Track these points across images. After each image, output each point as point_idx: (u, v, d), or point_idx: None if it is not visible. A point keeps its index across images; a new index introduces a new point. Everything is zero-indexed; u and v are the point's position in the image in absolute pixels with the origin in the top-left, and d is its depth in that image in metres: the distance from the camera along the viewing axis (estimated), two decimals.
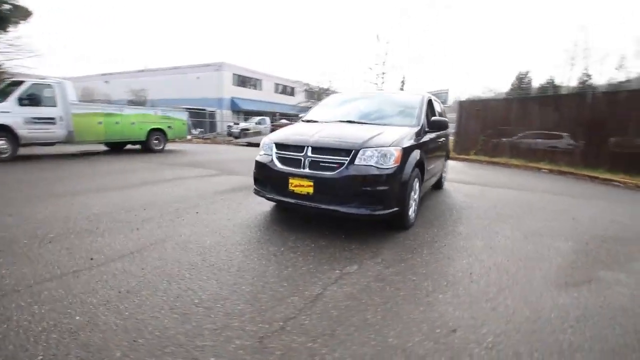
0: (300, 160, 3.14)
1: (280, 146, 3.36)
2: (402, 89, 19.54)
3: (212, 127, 23.50)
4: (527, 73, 44.45)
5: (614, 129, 9.98)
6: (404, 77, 17.72)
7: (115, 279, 2.11)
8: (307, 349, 1.55)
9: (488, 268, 2.56)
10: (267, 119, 21.42)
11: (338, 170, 2.95)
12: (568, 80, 38.81)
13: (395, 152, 2.98)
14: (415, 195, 3.48)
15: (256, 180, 3.62)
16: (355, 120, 3.87)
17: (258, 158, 3.58)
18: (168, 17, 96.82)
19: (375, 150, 2.96)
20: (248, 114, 27.00)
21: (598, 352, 1.63)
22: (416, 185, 3.46)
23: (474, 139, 14.18)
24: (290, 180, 3.13)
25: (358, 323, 1.77)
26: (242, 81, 29.20)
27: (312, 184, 3.01)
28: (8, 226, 3.00)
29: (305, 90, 31.69)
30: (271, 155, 3.40)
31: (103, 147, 10.23)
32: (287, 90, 34.34)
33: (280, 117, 24.05)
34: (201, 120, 20.48)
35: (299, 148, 3.19)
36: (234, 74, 28.11)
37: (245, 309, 1.84)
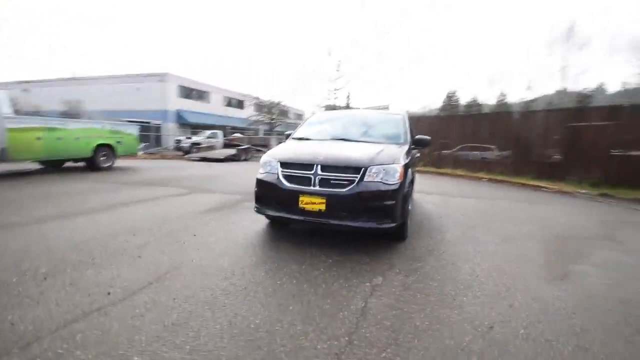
0: (310, 178, 3.23)
1: (285, 164, 3.42)
2: (348, 105, 20.34)
3: (158, 141, 22.00)
4: (454, 92, 50.03)
5: (535, 143, 11.77)
6: (349, 93, 18.65)
7: (152, 313, 1.97)
8: (382, 359, 1.65)
9: (489, 270, 2.90)
10: (220, 133, 20.74)
11: (349, 187, 3.11)
12: (488, 99, 44.40)
13: (399, 169, 3.25)
14: (409, 208, 3.78)
15: (258, 199, 3.60)
16: (351, 139, 4.08)
17: (260, 177, 3.58)
18: (101, 23, 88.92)
19: (382, 167, 3.19)
20: (196, 128, 25.83)
21: (602, 331, 2.00)
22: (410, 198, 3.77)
23: (421, 152, 15.45)
24: (301, 198, 3.19)
25: (412, 330, 1.92)
26: (189, 93, 27.91)
27: (324, 200, 3.11)
28: None
29: (255, 104, 31.50)
30: (276, 173, 3.43)
31: (36, 166, 9.01)
32: (236, 103, 33.66)
33: (233, 131, 23.47)
34: (146, 134, 19.06)
35: (308, 166, 3.28)
36: (179, 86, 26.72)
37: (306, 329, 1.87)
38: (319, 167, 3.22)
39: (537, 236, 4.10)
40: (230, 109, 32.87)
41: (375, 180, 3.13)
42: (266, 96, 29.60)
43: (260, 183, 3.58)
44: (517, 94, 49.37)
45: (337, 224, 3.13)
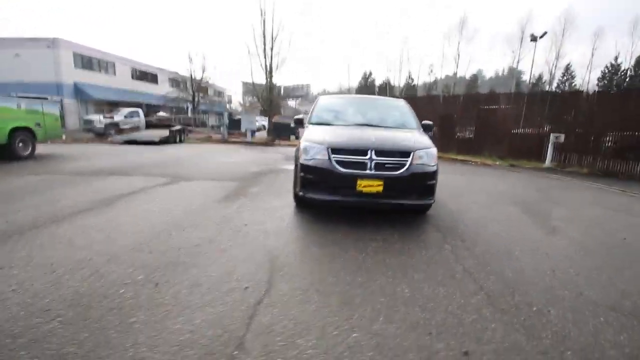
0: (366, 163, 3.51)
1: (337, 150, 3.60)
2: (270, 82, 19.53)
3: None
4: (370, 74, 53.35)
5: (455, 123, 13.87)
6: (270, 68, 17.98)
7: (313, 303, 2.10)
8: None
9: (512, 226, 3.71)
10: (140, 111, 18.28)
11: (402, 170, 3.50)
12: (399, 81, 48.78)
13: (435, 152, 3.77)
14: None
15: (305, 185, 3.71)
16: (374, 125, 4.42)
17: (307, 163, 3.67)
18: None
19: (424, 151, 3.66)
20: (100, 104, 22.14)
21: (593, 257, 2.92)
22: None
23: None
24: (359, 182, 3.46)
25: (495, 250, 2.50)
26: (88, 63, 23.36)
27: (381, 183, 3.45)
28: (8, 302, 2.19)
29: (173, 79, 28.39)
30: (326, 159, 3.59)
31: None
32: (148, 77, 29.60)
33: (157, 110, 20.91)
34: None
35: (362, 152, 3.54)
36: (75, 54, 22.12)
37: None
38: (374, 152, 3.53)
39: (509, 202, 5.20)
40: (140, 83, 28.84)
41: (420, 163, 3.59)
42: (187, 71, 26.82)
43: (307, 169, 3.67)
44: (422, 77, 55.29)
45: (395, 202, 3.53)
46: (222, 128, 20.43)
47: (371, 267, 2.60)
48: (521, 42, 41.11)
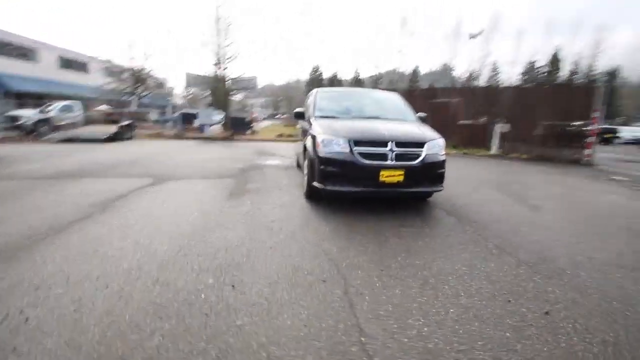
0: (387, 154, 3.69)
1: (359, 142, 3.71)
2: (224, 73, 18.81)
3: None
4: (318, 67, 53.75)
5: None
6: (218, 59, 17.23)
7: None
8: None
9: (503, 206, 4.20)
10: (75, 105, 16.16)
11: (419, 160, 3.75)
12: (347, 74, 49.86)
13: (443, 143, 4.08)
14: None
15: (327, 177, 3.77)
16: (378, 117, 4.61)
17: (328, 155, 3.74)
18: None
19: (435, 142, 3.95)
20: (22, 97, 19.16)
21: (576, 223, 3.50)
22: None
23: None
24: (382, 172, 3.64)
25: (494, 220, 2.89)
26: (3, 49, 19.86)
27: (402, 172, 3.67)
28: None
29: (107, 69, 25.57)
30: (348, 151, 3.69)
31: None
32: (76, 65, 26.12)
33: (98, 103, 18.68)
34: None
35: (382, 143, 3.71)
36: None
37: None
38: (394, 143, 3.72)
39: (482, 187, 5.82)
40: (67, 72, 25.39)
41: (432, 152, 3.88)
42: (124, 59, 24.29)
43: (329, 161, 3.74)
44: (368, 71, 57.27)
45: (414, 191, 3.80)
46: (171, 123, 19.10)
47: (419, 250, 2.80)
48: (455, 40, 44.63)
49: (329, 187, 3.78)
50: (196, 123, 16.97)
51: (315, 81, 52.59)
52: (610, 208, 4.56)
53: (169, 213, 3.64)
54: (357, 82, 48.60)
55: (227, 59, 17.72)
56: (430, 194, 4.31)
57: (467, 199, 4.76)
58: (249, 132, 19.81)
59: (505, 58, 52.23)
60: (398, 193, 3.88)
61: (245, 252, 2.68)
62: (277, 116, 68.55)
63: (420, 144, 3.82)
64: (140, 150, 10.04)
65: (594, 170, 8.57)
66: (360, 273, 2.36)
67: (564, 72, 44.32)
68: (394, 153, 3.70)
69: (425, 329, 1.75)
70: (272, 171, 6.72)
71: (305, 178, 4.40)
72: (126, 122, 14.40)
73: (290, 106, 60.60)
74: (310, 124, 4.61)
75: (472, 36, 26.94)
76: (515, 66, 46.44)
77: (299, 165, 6.96)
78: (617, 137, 22.12)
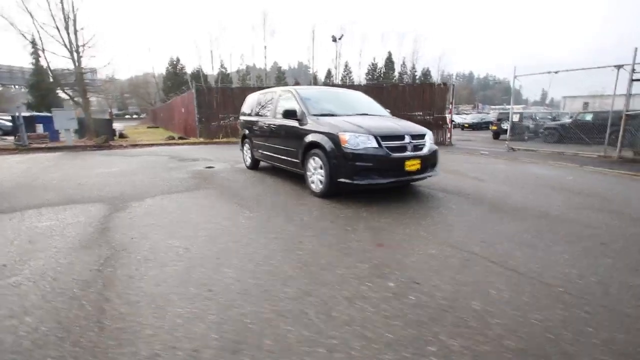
0: (406, 146, 4.17)
1: (384, 137, 4.04)
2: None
3: None
4: (178, 60, 48.54)
5: None
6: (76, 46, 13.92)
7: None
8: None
9: (462, 182, 5.35)
10: None
11: (426, 149, 4.39)
12: (212, 68, 47.18)
13: (432, 134, 4.84)
14: None
15: (358, 172, 3.95)
16: (367, 113, 5.00)
17: (360, 151, 3.93)
18: None
19: (429, 133, 4.65)
20: None
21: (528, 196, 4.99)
22: None
23: (218, 124, 15.67)
24: (407, 162, 4.10)
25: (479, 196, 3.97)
26: None
27: (419, 161, 4.23)
28: None
29: None
30: (376, 146, 3.99)
31: None
32: None
33: None
34: None
35: (401, 137, 4.17)
36: None
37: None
38: (409, 137, 4.22)
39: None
40: None
41: (431, 142, 4.59)
42: None
43: (359, 157, 3.95)
44: (235, 66, 55.24)
45: (426, 176, 4.43)
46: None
47: (455, 224, 3.43)
48: (312, 41, 48.47)
49: (359, 182, 3.98)
50: (56, 127, 12.94)
51: (175, 75, 47.41)
52: (508, 170, 6.44)
53: (198, 244, 3.07)
54: (224, 77, 46.56)
55: (82, 45, 14.00)
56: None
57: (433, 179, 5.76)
58: (115, 137, 16.50)
59: (353, 60, 60.22)
60: (415, 179, 4.43)
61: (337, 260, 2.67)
62: (126, 116, 58.27)
63: (423, 136, 4.47)
64: None
65: (460, 149, 11.40)
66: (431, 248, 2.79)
67: (396, 73, 54.82)
68: (412, 145, 4.22)
69: (505, 296, 2.36)
70: (237, 175, 6.14)
71: (313, 177, 4.47)
72: None
73: (143, 104, 52.51)
74: (308, 123, 4.61)
75: (335, 39, 30.05)
76: (361, 67, 54.25)
77: (253, 167, 6.64)
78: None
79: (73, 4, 13.53)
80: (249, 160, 6.81)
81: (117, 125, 29.79)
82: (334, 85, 22.19)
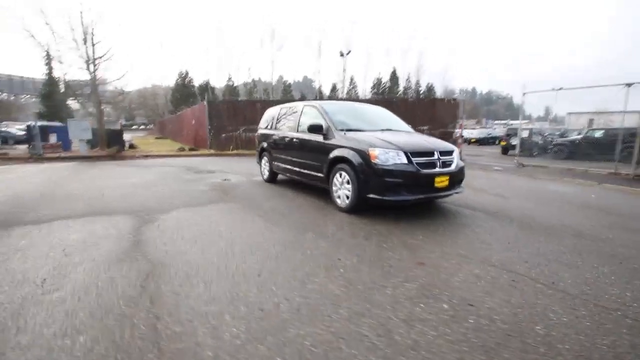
0: (436, 162, 4.15)
1: (414, 154, 4.03)
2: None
3: None
4: (187, 73, 49.40)
5: None
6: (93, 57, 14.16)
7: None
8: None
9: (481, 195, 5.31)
10: None
11: (454, 166, 4.37)
12: (220, 82, 47.84)
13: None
14: None
15: (390, 188, 3.93)
16: (391, 129, 5.01)
17: (390, 167, 3.92)
18: None
19: (457, 150, 4.64)
20: None
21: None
22: None
23: (228, 136, 15.80)
24: (436, 179, 4.08)
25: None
26: None
27: (448, 178, 4.21)
28: None
29: None
30: (407, 162, 3.97)
31: None
32: None
33: None
34: None
35: (430, 154, 4.15)
36: None
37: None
38: (439, 152, 4.21)
39: None
40: None
41: (457, 158, 4.57)
42: None
43: (390, 173, 3.93)
44: (242, 79, 56.09)
45: (453, 192, 4.38)
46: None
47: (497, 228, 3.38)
48: (318, 55, 49.25)
49: (390, 198, 3.95)
50: (72, 137, 13.12)
51: (184, 87, 48.14)
52: (526, 186, 6.39)
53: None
54: (231, 90, 47.18)
55: (98, 58, 14.31)
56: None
57: None
58: (126, 147, 16.64)
59: (358, 74, 61.04)
60: (442, 196, 4.39)
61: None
62: (133, 127, 58.93)
63: (452, 152, 4.46)
64: (15, 184, 7.18)
65: (472, 164, 11.37)
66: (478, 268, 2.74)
67: (401, 88, 55.37)
68: (441, 161, 4.21)
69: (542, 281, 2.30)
70: (256, 188, 6.13)
71: (339, 192, 4.46)
72: None
73: (152, 115, 53.27)
74: (334, 138, 4.62)
75: (342, 54, 30.56)
76: (366, 81, 54.90)
77: (271, 180, 6.64)
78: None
79: (92, 19, 13.93)
80: (266, 173, 6.81)
81: (126, 136, 30.31)
82: (339, 99, 22.62)
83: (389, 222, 3.96)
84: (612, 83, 9.46)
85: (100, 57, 14.49)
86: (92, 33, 13.97)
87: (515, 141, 14.06)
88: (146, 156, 13.43)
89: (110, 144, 14.78)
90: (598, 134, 14.09)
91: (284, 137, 5.99)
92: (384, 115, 5.67)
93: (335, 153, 4.52)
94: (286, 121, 6.15)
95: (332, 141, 4.67)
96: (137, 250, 3.03)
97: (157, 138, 34.22)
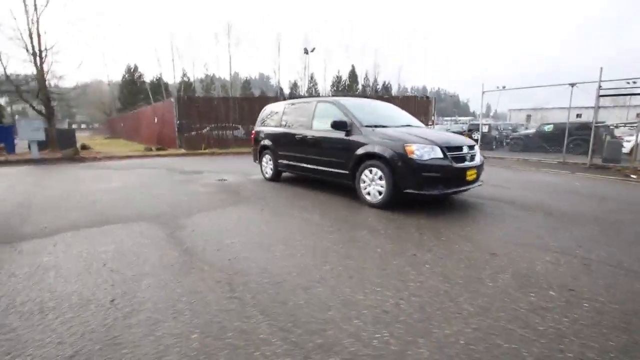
0: (465, 156, 4.29)
1: (449, 149, 4.12)
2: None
3: None
4: (136, 67, 45.76)
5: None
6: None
7: None
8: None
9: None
10: None
11: (478, 159, 4.56)
12: (174, 77, 45.04)
13: None
14: None
15: (427, 183, 3.99)
16: (410, 124, 5.08)
17: (428, 162, 3.97)
18: None
19: (476, 145, 4.84)
20: None
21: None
22: None
23: (199, 135, 14.94)
24: (467, 172, 4.22)
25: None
26: None
27: (476, 171, 4.38)
28: None
29: None
30: (441, 157, 4.06)
31: None
32: None
33: None
34: None
35: (459, 148, 4.28)
36: None
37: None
38: (467, 147, 4.36)
39: None
40: None
41: (478, 152, 4.76)
42: None
43: (428, 168, 4.00)
44: (197, 75, 53.07)
45: (477, 185, 4.56)
46: None
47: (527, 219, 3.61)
48: (279, 52, 48.54)
49: (426, 192, 4.02)
50: (20, 138, 11.42)
51: (132, 83, 44.56)
52: (513, 177, 6.90)
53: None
54: (187, 87, 44.67)
55: (45, 49, 12.61)
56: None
57: None
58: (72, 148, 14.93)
59: (318, 71, 61.42)
60: (469, 189, 4.55)
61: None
62: (73, 126, 53.27)
63: (474, 146, 4.64)
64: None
65: None
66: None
67: (360, 86, 56.69)
68: (469, 155, 4.36)
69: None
70: (265, 187, 5.86)
71: (369, 188, 4.47)
72: None
73: (95, 113, 48.35)
74: (361, 134, 4.57)
75: (307, 51, 30.42)
76: (326, 79, 55.38)
77: (275, 178, 6.42)
78: None
79: (35, 4, 12.21)
80: (270, 172, 6.55)
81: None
82: (300, 96, 22.57)
83: (426, 216, 4.01)
84: (560, 83, 10.78)
85: (47, 49, 12.77)
86: (37, 21, 12.27)
87: (476, 136, 15.18)
88: (110, 157, 12.20)
89: (61, 146, 13.18)
90: (549, 128, 15.67)
91: (293, 134, 5.79)
92: (398, 112, 5.74)
93: (364, 149, 4.47)
94: (295, 118, 5.96)
95: (357, 138, 4.61)
96: (194, 259, 2.72)
97: (106, 138, 31.35)
